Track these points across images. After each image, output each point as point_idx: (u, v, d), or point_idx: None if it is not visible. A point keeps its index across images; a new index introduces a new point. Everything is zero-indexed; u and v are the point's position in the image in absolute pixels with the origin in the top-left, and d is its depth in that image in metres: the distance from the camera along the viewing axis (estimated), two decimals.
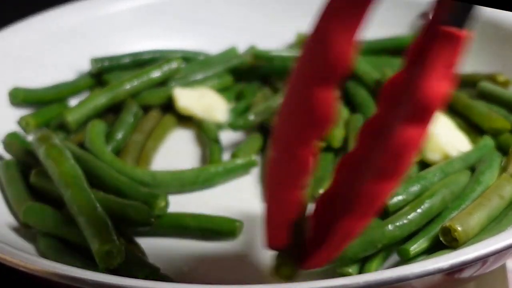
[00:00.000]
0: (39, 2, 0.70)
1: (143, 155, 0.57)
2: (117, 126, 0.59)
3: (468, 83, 0.63)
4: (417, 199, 0.47)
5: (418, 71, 0.33)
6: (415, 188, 0.49)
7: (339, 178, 0.39)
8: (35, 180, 0.51)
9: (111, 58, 0.66)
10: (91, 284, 0.36)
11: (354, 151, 0.38)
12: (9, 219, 0.50)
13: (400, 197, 0.48)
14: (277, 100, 0.58)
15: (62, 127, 0.59)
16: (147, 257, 0.46)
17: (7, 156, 0.56)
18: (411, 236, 0.46)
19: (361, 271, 0.44)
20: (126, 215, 0.47)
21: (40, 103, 0.62)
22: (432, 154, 0.52)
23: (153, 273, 0.43)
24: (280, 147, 0.37)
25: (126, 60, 0.67)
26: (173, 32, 0.73)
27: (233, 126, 0.57)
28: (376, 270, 0.44)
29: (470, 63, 0.61)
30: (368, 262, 0.45)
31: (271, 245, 0.40)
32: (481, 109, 0.57)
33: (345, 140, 0.55)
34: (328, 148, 0.55)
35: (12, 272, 0.40)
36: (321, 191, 0.51)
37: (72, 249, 0.46)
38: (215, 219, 0.49)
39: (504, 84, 0.61)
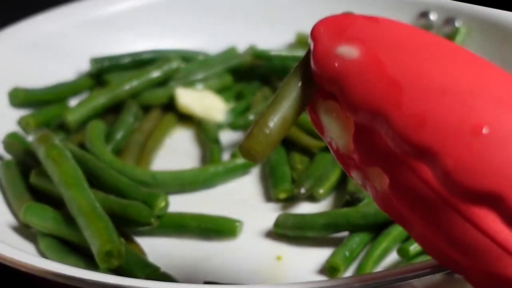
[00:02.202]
0: (39, 3, 0.70)
1: (143, 155, 0.57)
2: (117, 126, 0.59)
3: None
4: None
5: None
6: None
7: None
8: (35, 180, 0.51)
9: (111, 58, 0.66)
10: (91, 284, 0.36)
11: None
12: (9, 219, 0.50)
13: None
14: None
15: (62, 127, 0.59)
16: (147, 257, 0.46)
17: (7, 156, 0.55)
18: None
19: (357, 271, 0.44)
20: (126, 215, 0.47)
21: (40, 103, 0.62)
22: None
23: (153, 273, 0.43)
24: None
25: (126, 60, 0.67)
26: (173, 32, 0.72)
27: (233, 126, 0.57)
28: (372, 269, 0.44)
29: None
30: (364, 261, 0.45)
31: None
32: None
33: None
34: (328, 148, 0.54)
35: (12, 272, 0.40)
36: (321, 191, 0.51)
37: (72, 249, 0.46)
38: (215, 219, 0.49)
39: None
